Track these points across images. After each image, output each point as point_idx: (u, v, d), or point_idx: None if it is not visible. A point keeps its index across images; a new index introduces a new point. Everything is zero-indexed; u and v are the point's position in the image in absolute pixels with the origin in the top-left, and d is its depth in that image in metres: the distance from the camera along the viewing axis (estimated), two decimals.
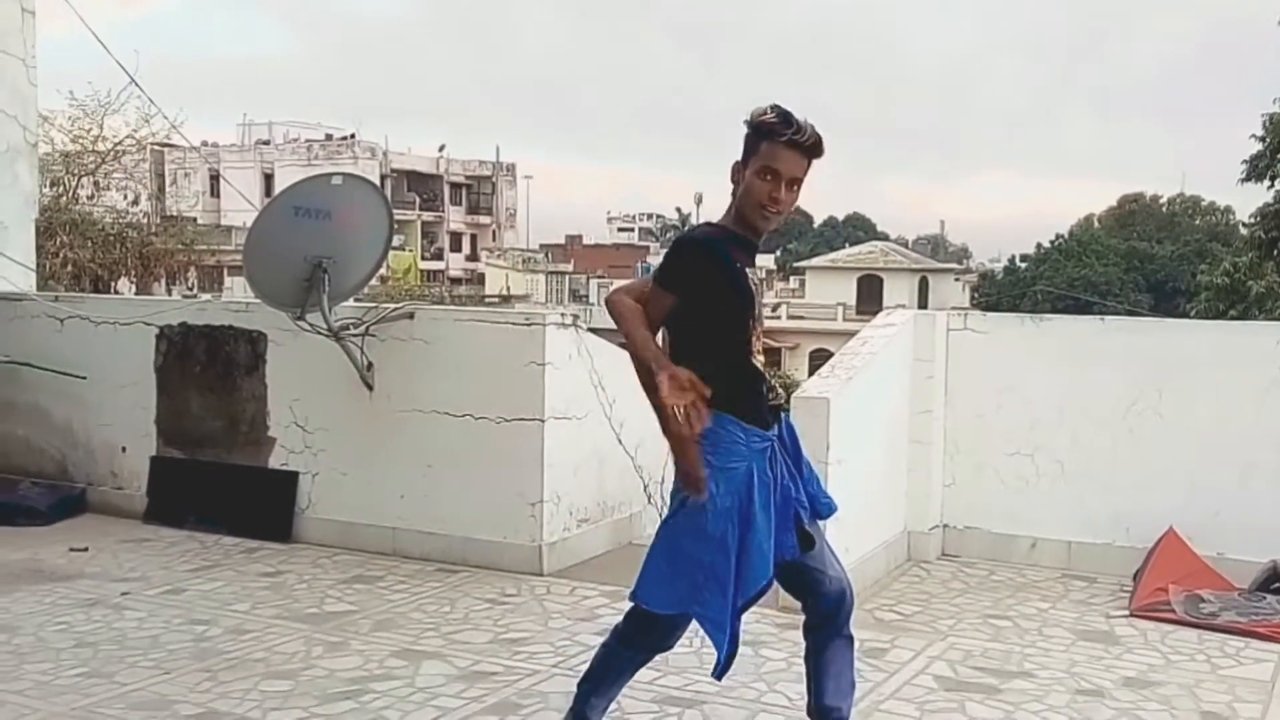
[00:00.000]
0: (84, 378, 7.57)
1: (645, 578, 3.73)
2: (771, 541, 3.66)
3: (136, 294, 22.01)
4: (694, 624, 3.81)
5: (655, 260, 78.58)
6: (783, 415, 3.82)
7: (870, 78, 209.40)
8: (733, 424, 3.63)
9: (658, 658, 4.92)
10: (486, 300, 54.91)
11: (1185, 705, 4.68)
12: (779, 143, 3.59)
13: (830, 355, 6.86)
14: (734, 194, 3.69)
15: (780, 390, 3.85)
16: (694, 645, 5.19)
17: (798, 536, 3.74)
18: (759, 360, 3.73)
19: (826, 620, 3.87)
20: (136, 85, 10.25)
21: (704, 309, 3.64)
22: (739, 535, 3.62)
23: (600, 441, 6.72)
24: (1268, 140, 28.72)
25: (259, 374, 7.11)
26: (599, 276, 71.07)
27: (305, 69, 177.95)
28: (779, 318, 58.62)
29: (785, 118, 3.59)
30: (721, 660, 3.73)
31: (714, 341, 3.67)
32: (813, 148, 3.63)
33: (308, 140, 68.65)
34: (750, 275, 3.73)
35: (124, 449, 7.60)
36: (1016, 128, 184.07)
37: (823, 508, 3.86)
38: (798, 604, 5.62)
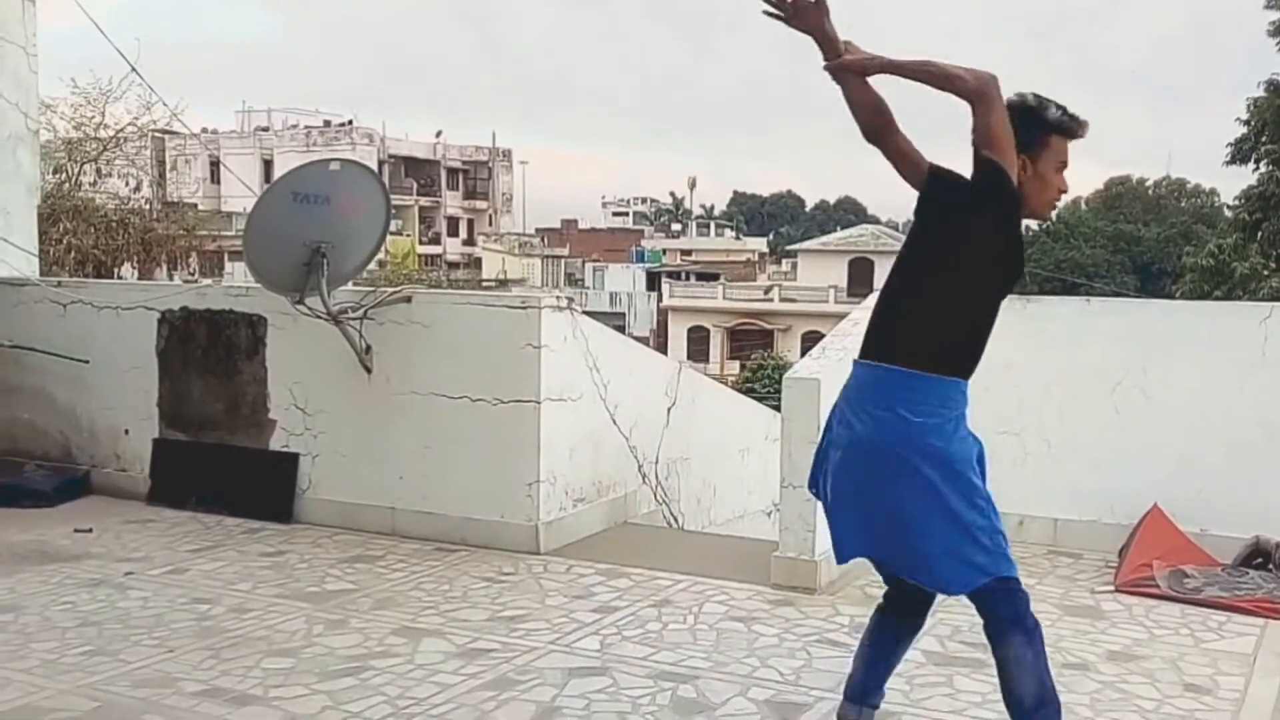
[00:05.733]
0: (87, 362, 7.64)
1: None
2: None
3: (138, 279, 22.07)
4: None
5: (649, 244, 78.53)
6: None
7: None
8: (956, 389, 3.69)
9: (653, 636, 5.06)
10: (483, 284, 55.04)
11: (1169, 678, 4.74)
12: (1069, 140, 3.60)
13: (822, 337, 6.92)
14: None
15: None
16: (687, 623, 5.31)
17: None
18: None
19: (916, 613, 3.85)
20: (137, 73, 10.35)
21: (987, 256, 3.58)
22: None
23: (595, 423, 6.80)
24: (1252, 124, 28.82)
25: (259, 357, 7.17)
26: (594, 260, 71.14)
27: (303, 56, 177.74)
28: (771, 300, 58.79)
29: (1075, 116, 3.61)
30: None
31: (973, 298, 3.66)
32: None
33: (306, 127, 68.52)
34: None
35: (127, 432, 7.66)
36: None
37: None
38: (788, 581, 5.77)
